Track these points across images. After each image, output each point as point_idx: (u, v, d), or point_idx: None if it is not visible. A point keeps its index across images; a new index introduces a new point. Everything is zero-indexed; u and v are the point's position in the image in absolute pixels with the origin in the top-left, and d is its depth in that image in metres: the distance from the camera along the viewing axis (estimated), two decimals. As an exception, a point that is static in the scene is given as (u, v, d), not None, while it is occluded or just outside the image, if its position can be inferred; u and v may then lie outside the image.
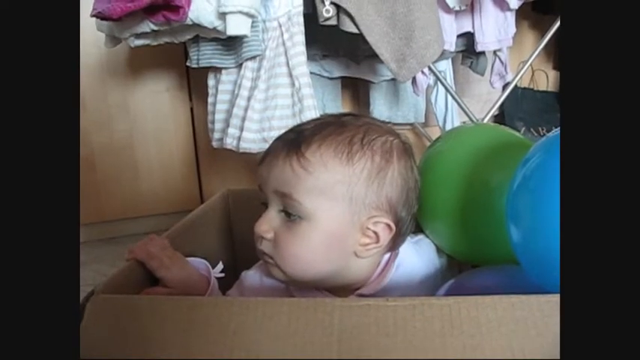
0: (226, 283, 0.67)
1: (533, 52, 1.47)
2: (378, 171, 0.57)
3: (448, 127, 1.62)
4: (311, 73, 1.48)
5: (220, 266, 0.65)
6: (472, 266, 0.64)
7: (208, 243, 0.78)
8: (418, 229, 0.65)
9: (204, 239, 0.76)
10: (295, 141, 0.58)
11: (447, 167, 0.61)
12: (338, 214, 0.57)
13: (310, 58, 1.43)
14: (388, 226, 0.58)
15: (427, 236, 0.65)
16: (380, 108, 1.57)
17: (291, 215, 0.57)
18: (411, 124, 1.69)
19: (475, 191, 0.58)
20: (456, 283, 0.57)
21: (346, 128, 0.58)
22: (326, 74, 1.51)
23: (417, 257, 0.63)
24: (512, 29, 1.46)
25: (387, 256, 0.62)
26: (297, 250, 0.57)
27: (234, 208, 0.86)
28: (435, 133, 1.73)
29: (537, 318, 0.41)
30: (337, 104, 1.59)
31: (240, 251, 0.86)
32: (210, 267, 0.64)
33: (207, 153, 1.60)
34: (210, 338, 0.44)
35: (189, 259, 0.63)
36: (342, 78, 1.58)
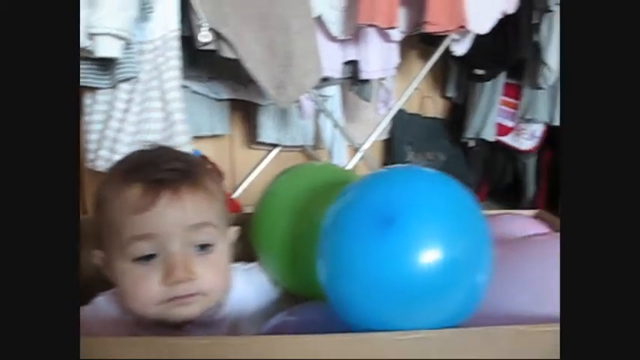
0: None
1: (413, 79, 1.56)
2: None
3: (336, 149, 1.66)
4: (198, 94, 1.48)
5: None
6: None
7: None
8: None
9: None
10: (187, 172, 0.57)
11: (280, 206, 0.64)
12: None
13: (196, 79, 1.43)
14: None
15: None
16: (267, 131, 1.59)
17: (207, 246, 0.57)
18: (301, 146, 1.72)
19: (301, 228, 0.60)
20: (282, 317, 0.59)
21: None
22: (213, 95, 1.50)
23: (247, 285, 0.65)
24: (396, 59, 1.53)
25: None
26: (222, 278, 0.59)
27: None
28: (325, 155, 1.76)
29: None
30: (224, 126, 1.59)
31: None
32: None
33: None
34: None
35: None
36: (233, 100, 1.58)
